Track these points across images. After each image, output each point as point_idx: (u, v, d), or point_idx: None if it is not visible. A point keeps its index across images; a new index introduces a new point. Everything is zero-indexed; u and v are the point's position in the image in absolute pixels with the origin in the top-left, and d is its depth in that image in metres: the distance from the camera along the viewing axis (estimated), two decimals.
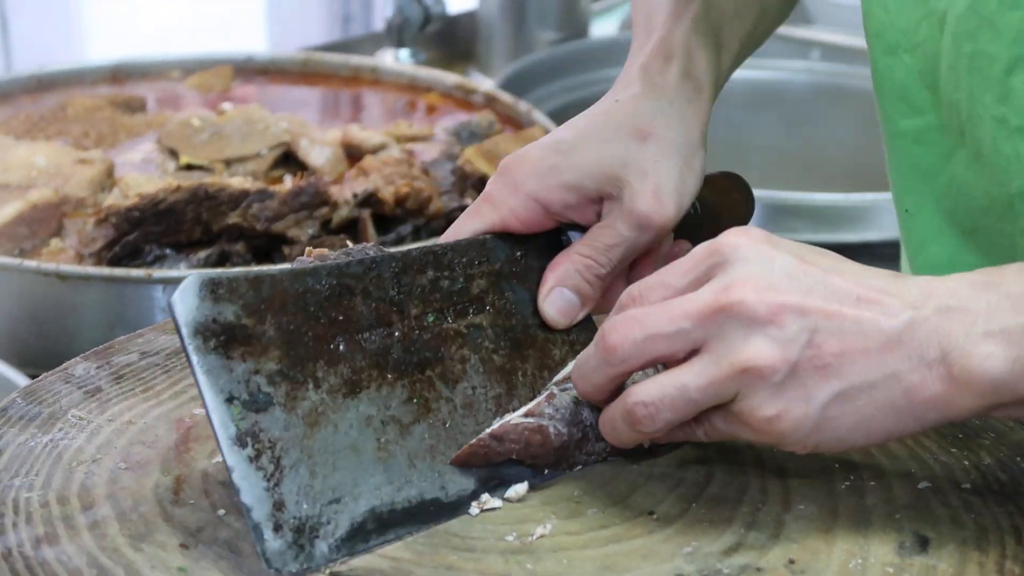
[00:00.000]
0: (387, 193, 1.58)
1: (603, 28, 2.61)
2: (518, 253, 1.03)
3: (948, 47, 1.04)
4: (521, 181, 1.03)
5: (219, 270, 0.84)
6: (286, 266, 0.91)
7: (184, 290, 0.86)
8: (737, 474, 0.95)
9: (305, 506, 0.87)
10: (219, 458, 0.95)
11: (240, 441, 0.86)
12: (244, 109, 1.84)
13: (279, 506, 0.86)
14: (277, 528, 0.86)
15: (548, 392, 0.95)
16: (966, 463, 0.96)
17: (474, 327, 0.99)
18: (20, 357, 1.43)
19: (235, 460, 0.86)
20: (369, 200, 1.58)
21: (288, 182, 1.68)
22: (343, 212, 1.57)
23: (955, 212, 1.12)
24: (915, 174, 1.14)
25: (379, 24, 2.68)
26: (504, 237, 1.03)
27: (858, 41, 2.24)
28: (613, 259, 1.04)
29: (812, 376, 0.85)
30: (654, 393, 0.87)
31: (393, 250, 0.97)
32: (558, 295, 1.03)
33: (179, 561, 0.85)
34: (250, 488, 0.86)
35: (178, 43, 2.31)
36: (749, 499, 0.92)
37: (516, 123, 1.89)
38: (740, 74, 2.30)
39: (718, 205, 1.14)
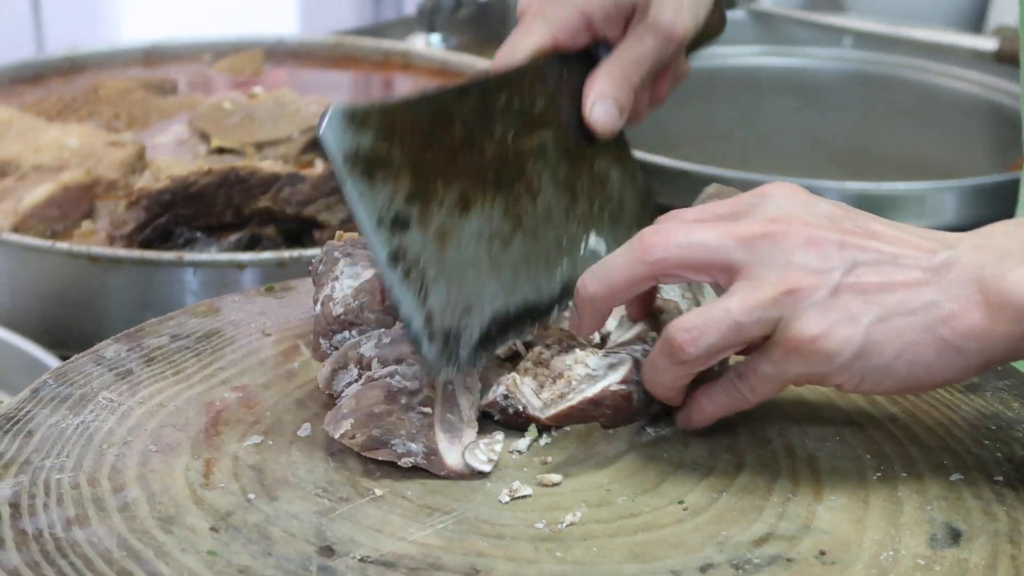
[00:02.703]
0: None
1: None
2: (564, 73, 1.10)
3: None
4: None
5: (352, 103, 0.93)
6: (399, 97, 0.98)
7: (330, 123, 0.92)
8: (768, 464, 0.94)
9: (447, 317, 0.95)
10: (249, 441, 0.95)
11: (393, 259, 0.93)
12: (275, 92, 1.84)
13: (429, 318, 0.94)
14: (431, 337, 0.94)
15: (634, 359, 0.96)
16: (999, 455, 0.95)
17: (542, 144, 1.06)
18: (51, 338, 1.43)
19: (392, 278, 0.93)
20: None
21: (319, 166, 1.68)
22: None
23: None
24: None
25: (410, 8, 2.68)
26: (552, 58, 1.10)
27: (890, 28, 2.23)
28: (643, 70, 1.11)
29: (854, 299, 0.88)
30: (695, 319, 0.90)
31: (472, 79, 1.04)
32: (600, 106, 1.10)
33: (209, 544, 0.85)
34: (406, 302, 0.93)
35: (209, 26, 2.31)
36: (780, 489, 0.92)
37: None
38: (772, 61, 2.30)
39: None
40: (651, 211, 1.12)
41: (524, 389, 0.97)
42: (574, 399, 0.95)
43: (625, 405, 0.95)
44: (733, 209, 0.93)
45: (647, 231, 0.92)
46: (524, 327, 1.01)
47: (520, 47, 1.09)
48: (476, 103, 1.02)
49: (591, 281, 0.94)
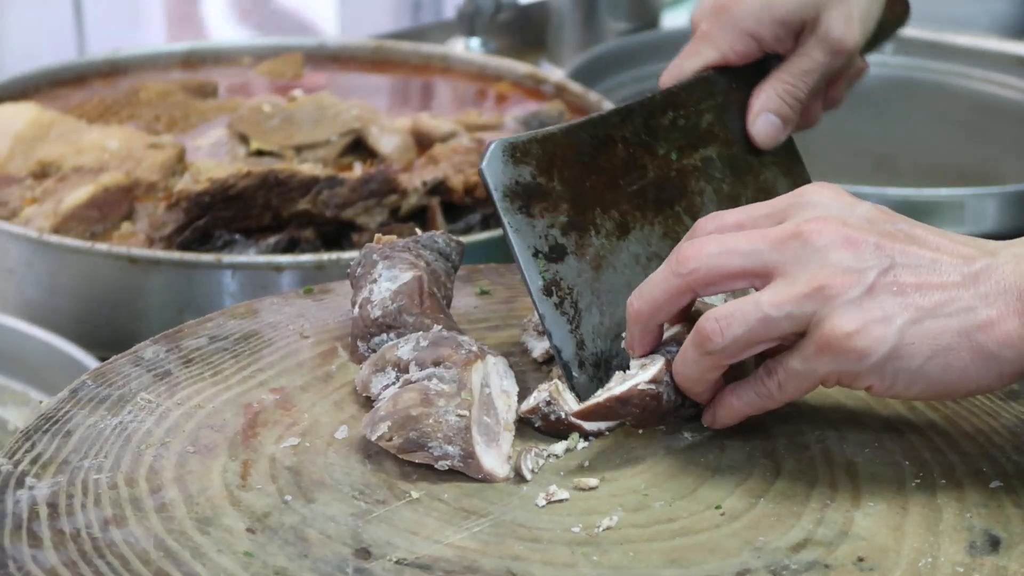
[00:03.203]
0: (456, 181, 1.58)
1: (674, 19, 2.60)
2: (733, 85, 1.13)
3: None
4: (740, 19, 1.14)
5: (513, 135, 1.01)
6: (560, 124, 1.03)
7: (491, 158, 0.98)
8: (806, 469, 0.94)
9: (599, 343, 0.98)
10: (286, 443, 0.95)
11: (547, 290, 0.97)
12: (315, 96, 1.84)
13: (580, 345, 0.97)
14: (581, 365, 0.97)
15: (666, 359, 0.95)
16: None
17: (706, 160, 1.09)
18: (90, 339, 1.44)
19: (545, 308, 0.97)
20: (438, 188, 1.57)
21: (358, 169, 1.68)
22: (412, 200, 1.57)
23: None
24: None
25: (450, 12, 2.68)
26: (720, 71, 1.13)
27: (932, 35, 2.22)
28: (810, 83, 1.15)
29: (889, 298, 0.87)
30: (726, 309, 0.90)
31: (637, 98, 1.08)
32: (764, 119, 1.13)
33: (245, 546, 0.86)
34: (558, 331, 0.97)
35: (245, 31, 2.32)
36: (818, 495, 0.91)
37: (586, 113, 1.88)
38: None
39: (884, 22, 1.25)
40: None
41: (566, 395, 0.97)
42: (601, 396, 0.95)
43: (654, 405, 0.95)
44: (772, 210, 0.92)
45: (684, 244, 0.92)
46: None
47: (688, 68, 1.13)
48: (640, 124, 1.05)
49: (636, 299, 0.94)
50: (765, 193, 1.11)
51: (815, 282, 0.88)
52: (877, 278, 0.87)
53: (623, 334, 0.99)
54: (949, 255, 0.89)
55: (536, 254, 0.98)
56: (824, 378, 0.90)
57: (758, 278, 0.90)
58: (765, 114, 1.13)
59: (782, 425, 0.98)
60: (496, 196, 0.98)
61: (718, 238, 0.91)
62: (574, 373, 0.98)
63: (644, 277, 0.96)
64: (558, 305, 0.98)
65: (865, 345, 0.87)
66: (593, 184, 1.01)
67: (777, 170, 1.13)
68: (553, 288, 0.98)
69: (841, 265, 0.88)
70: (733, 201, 1.09)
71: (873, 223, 0.90)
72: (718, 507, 0.90)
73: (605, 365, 0.99)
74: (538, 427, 0.98)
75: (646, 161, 1.05)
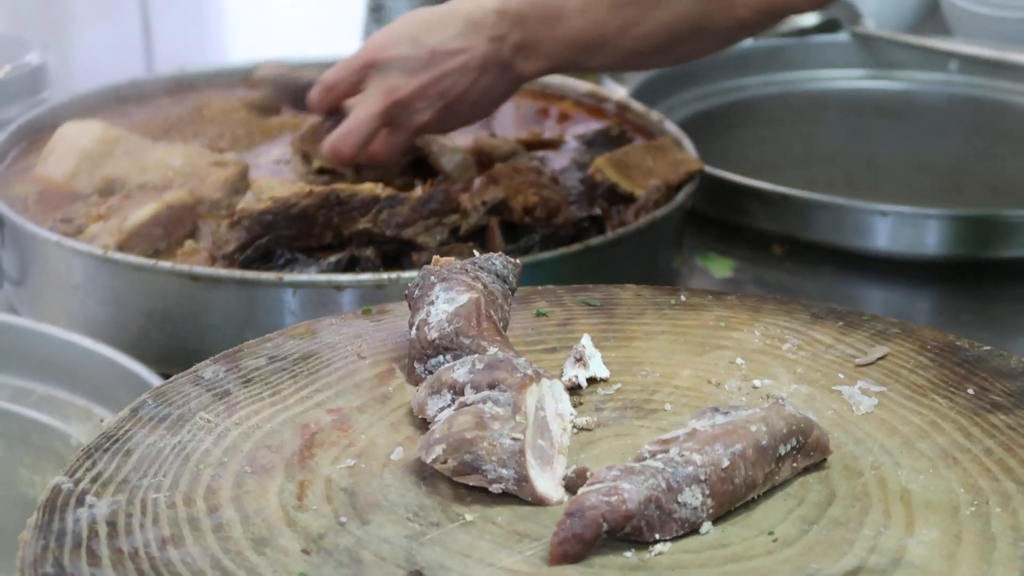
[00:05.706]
0: (516, 201, 1.58)
1: None
2: None
3: None
4: None
5: None
6: None
7: None
8: (860, 496, 0.94)
9: None
10: (342, 464, 0.96)
11: None
12: None
13: None
14: None
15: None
16: None
17: None
18: (152, 356, 1.45)
19: None
20: (498, 208, 1.58)
21: (418, 188, 1.69)
22: (472, 219, 1.57)
23: None
24: None
25: None
26: None
27: (997, 53, 2.21)
28: None
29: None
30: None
31: None
32: None
33: (300, 566, 0.86)
34: None
35: (315, 46, 2.34)
36: (871, 522, 0.91)
37: (647, 132, 1.88)
38: (876, 84, 2.29)
39: None
40: None
41: None
42: None
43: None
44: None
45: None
46: None
47: None
48: None
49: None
50: None
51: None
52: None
53: None
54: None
55: None
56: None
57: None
58: None
59: (836, 451, 0.98)
60: None
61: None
62: None
63: None
64: None
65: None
66: None
67: None
68: None
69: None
70: None
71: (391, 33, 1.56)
72: (771, 533, 0.90)
73: None
74: None
75: None
